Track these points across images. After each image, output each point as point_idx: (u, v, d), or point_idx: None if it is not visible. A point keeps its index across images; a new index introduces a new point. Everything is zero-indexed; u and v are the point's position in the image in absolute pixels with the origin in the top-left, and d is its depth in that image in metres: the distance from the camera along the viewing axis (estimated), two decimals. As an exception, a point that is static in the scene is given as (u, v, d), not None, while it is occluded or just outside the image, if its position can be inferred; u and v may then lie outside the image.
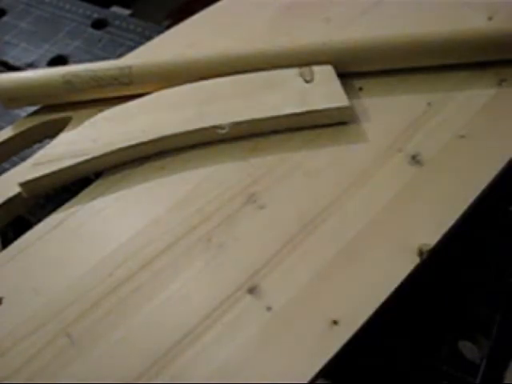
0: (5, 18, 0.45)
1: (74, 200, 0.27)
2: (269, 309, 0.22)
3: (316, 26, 0.34)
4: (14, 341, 0.22)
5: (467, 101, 0.29)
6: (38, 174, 0.27)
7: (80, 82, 0.29)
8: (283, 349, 0.21)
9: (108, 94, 0.30)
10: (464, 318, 0.25)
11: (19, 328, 0.23)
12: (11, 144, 0.30)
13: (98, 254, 0.25)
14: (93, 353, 0.22)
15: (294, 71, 0.29)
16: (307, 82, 0.29)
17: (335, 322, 0.21)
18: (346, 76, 0.30)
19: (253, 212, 0.25)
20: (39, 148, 0.29)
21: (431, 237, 0.23)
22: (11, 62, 0.41)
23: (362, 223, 0.24)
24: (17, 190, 0.27)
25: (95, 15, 0.43)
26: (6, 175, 0.28)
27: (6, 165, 0.32)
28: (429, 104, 0.29)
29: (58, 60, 0.40)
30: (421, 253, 0.23)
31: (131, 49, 0.36)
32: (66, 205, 0.27)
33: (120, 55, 0.38)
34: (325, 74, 0.29)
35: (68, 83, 0.29)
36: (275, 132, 0.28)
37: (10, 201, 0.27)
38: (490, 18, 0.32)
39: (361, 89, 0.30)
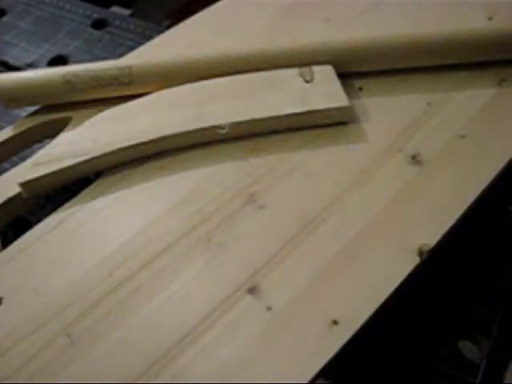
0: (5, 18, 0.45)
1: (73, 200, 0.27)
2: (269, 309, 0.22)
3: (316, 25, 0.34)
4: (14, 341, 0.22)
5: (467, 101, 0.29)
6: (38, 174, 0.27)
7: (80, 82, 0.29)
8: (283, 349, 0.21)
9: (108, 93, 0.30)
10: (464, 317, 0.25)
11: (19, 328, 0.23)
12: (11, 144, 0.30)
13: (98, 254, 0.25)
14: (93, 353, 0.22)
15: (293, 71, 0.29)
16: (307, 81, 0.29)
17: (335, 322, 0.21)
18: (346, 76, 0.30)
19: (253, 212, 0.25)
20: (39, 148, 0.29)
21: (431, 237, 0.23)
22: (11, 61, 0.41)
23: (362, 223, 0.24)
24: (17, 189, 0.27)
25: (95, 15, 0.43)
26: (5, 175, 0.28)
27: (5, 165, 0.32)
28: (429, 104, 0.29)
29: (58, 60, 0.40)
30: (421, 253, 0.23)
31: (131, 49, 0.36)
32: (66, 205, 0.27)
33: (120, 55, 0.38)
34: (325, 74, 0.29)
35: (68, 83, 0.29)
36: (275, 132, 0.28)
37: (9, 201, 0.27)
38: (490, 18, 0.32)
39: (361, 89, 0.30)
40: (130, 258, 0.24)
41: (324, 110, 0.28)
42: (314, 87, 0.29)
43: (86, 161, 0.27)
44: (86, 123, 0.28)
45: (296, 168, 0.27)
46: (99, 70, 0.30)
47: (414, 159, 0.26)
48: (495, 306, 0.25)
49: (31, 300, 0.23)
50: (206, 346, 0.21)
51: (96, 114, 0.29)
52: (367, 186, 0.26)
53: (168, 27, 0.37)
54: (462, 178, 0.25)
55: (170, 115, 0.28)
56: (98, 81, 0.29)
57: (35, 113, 0.31)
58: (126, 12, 0.45)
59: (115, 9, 0.45)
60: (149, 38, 0.38)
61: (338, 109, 0.28)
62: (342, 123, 0.28)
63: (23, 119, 0.31)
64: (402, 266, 0.23)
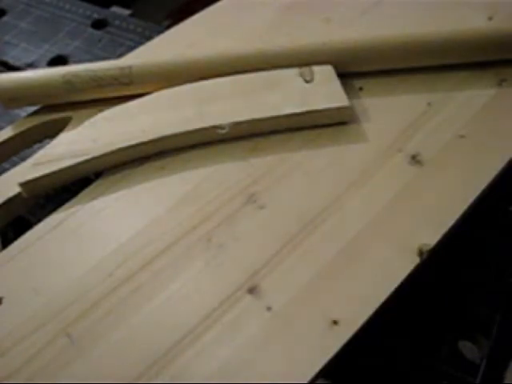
0: (5, 18, 0.45)
1: (74, 200, 0.27)
2: (269, 309, 0.22)
3: (316, 25, 0.34)
4: (14, 341, 0.22)
5: (467, 101, 0.29)
6: (38, 174, 0.27)
7: (80, 82, 0.29)
8: (283, 349, 0.21)
9: (108, 93, 0.30)
10: (464, 317, 0.25)
11: (19, 328, 0.23)
12: (11, 144, 0.30)
13: (97, 254, 0.25)
14: (93, 353, 0.22)
15: (293, 71, 0.29)
16: (307, 81, 0.29)
17: (335, 322, 0.21)
18: (346, 76, 0.30)
19: (253, 212, 0.25)
20: (39, 148, 0.29)
21: (431, 237, 0.23)
22: (11, 62, 0.41)
23: (362, 223, 0.24)
24: (17, 189, 0.27)
25: (95, 15, 0.43)
26: (5, 175, 0.28)
27: (5, 165, 0.32)
28: (429, 104, 0.29)
29: (58, 60, 0.40)
30: (421, 253, 0.23)
31: (131, 49, 0.36)
32: (66, 205, 0.27)
33: (120, 55, 0.38)
34: (325, 74, 0.29)
35: (68, 83, 0.29)
36: (275, 132, 0.28)
37: (9, 201, 0.27)
38: (490, 18, 0.32)
39: (361, 89, 0.30)
40: (129, 258, 0.24)
41: (324, 110, 0.28)
42: (314, 87, 0.29)
43: (86, 161, 0.27)
44: (86, 123, 0.28)
45: (296, 168, 0.27)
46: (99, 70, 0.30)
47: (414, 159, 0.26)
48: (495, 306, 0.25)
49: (31, 300, 0.23)
50: (206, 345, 0.21)
51: (96, 114, 0.29)
52: (367, 186, 0.26)
53: (168, 27, 0.37)
54: (462, 178, 0.25)
55: (170, 115, 0.28)
56: (98, 81, 0.29)
57: (35, 113, 0.31)
58: (126, 12, 0.45)
59: (115, 9, 0.45)
60: (149, 38, 0.38)
61: (338, 109, 0.28)
62: (342, 123, 0.28)
63: (23, 119, 0.31)
64: (402, 266, 0.23)
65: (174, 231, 0.25)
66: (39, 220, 0.26)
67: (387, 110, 0.29)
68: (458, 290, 0.26)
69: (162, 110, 0.28)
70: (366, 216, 0.24)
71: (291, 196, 0.26)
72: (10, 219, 0.28)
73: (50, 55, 0.40)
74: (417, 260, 0.23)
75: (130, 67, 0.30)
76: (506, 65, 0.30)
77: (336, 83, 0.29)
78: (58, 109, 0.31)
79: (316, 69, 0.29)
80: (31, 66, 0.40)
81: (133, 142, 0.27)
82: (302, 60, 0.30)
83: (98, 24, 0.43)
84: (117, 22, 0.42)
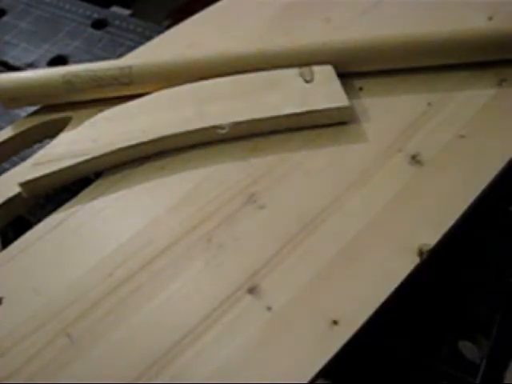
0: (5, 18, 0.45)
1: (74, 200, 0.27)
2: (269, 309, 0.22)
3: (316, 25, 0.34)
4: (14, 341, 0.22)
5: (467, 101, 0.29)
6: (38, 174, 0.27)
7: (80, 82, 0.29)
8: (283, 349, 0.21)
9: (108, 93, 0.30)
10: (464, 317, 0.25)
11: (19, 328, 0.23)
12: (11, 144, 0.30)
13: (97, 254, 0.25)
14: (93, 353, 0.22)
15: (293, 71, 0.29)
16: (307, 81, 0.29)
17: (335, 322, 0.21)
18: (346, 76, 0.30)
19: (253, 212, 0.25)
20: (39, 148, 0.29)
21: (431, 237, 0.23)
22: (11, 62, 0.41)
23: (362, 223, 0.24)
24: (17, 190, 0.27)
25: (95, 15, 0.43)
26: (5, 175, 0.28)
27: (5, 165, 0.32)
28: (429, 104, 0.29)
29: (58, 60, 0.40)
30: (421, 253, 0.23)
31: (131, 49, 0.36)
32: (66, 205, 0.27)
33: (120, 55, 0.38)
34: (325, 74, 0.29)
35: (68, 83, 0.29)
36: (275, 132, 0.28)
37: (9, 201, 0.27)
38: (490, 18, 0.32)
39: (361, 89, 0.30)
40: (129, 258, 0.24)
41: (324, 110, 0.28)
42: (314, 87, 0.29)
43: (86, 161, 0.27)
44: (86, 123, 0.28)
45: (296, 168, 0.27)
46: (99, 70, 0.30)
47: (414, 159, 0.26)
48: (495, 306, 0.25)
49: (31, 300, 0.23)
50: (205, 345, 0.21)
51: (96, 114, 0.29)
52: (367, 186, 0.26)
53: (168, 27, 0.37)
54: (462, 178, 0.25)
55: (170, 115, 0.28)
56: (98, 81, 0.29)
57: (35, 113, 0.31)
58: (126, 12, 0.45)
59: (115, 9, 0.45)
60: (149, 38, 0.38)
61: (338, 109, 0.28)
62: (342, 123, 0.28)
63: (23, 119, 0.31)
64: (402, 266, 0.23)
65: (174, 231, 0.25)
66: (39, 220, 0.26)
67: (387, 110, 0.29)
68: (457, 290, 0.26)
69: (162, 110, 0.28)
70: (366, 216, 0.24)
71: (291, 196, 0.26)
72: (10, 219, 0.28)
73: (50, 55, 0.40)
74: (417, 260, 0.23)
75: (129, 67, 0.30)
76: (506, 65, 0.30)
77: (336, 83, 0.29)
78: (58, 109, 0.31)
79: (316, 69, 0.29)
80: (31, 66, 0.40)
81: (133, 142, 0.27)
82: (302, 60, 0.30)
83: (98, 24, 0.43)
84: (117, 22, 0.42)
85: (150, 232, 0.25)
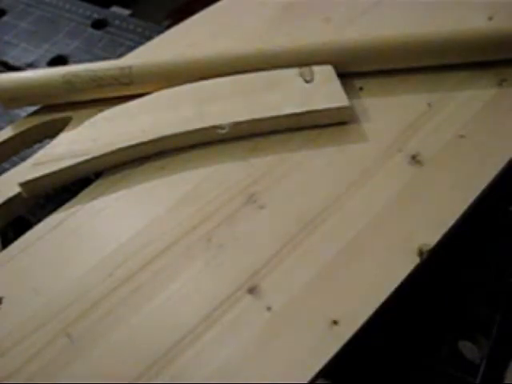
0: (5, 18, 0.45)
1: (74, 200, 0.27)
2: (269, 309, 0.22)
3: (316, 25, 0.34)
4: (14, 341, 0.22)
5: (467, 101, 0.29)
6: (38, 174, 0.27)
7: (80, 82, 0.29)
8: (283, 349, 0.21)
9: (108, 93, 0.30)
10: (464, 317, 0.25)
11: (19, 328, 0.23)
12: (11, 144, 0.30)
13: (98, 254, 0.25)
14: (93, 353, 0.22)
15: (293, 71, 0.29)
16: (307, 82, 0.29)
17: (335, 322, 0.21)
18: (346, 76, 0.30)
19: (253, 212, 0.25)
20: (39, 148, 0.29)
21: (431, 237, 0.23)
22: (11, 62, 0.41)
23: (362, 223, 0.24)
24: (17, 190, 0.27)
25: (95, 15, 0.43)
26: (5, 175, 0.28)
27: (5, 165, 0.32)
28: (429, 104, 0.29)
29: (58, 60, 0.40)
30: (421, 253, 0.23)
31: (131, 49, 0.36)
32: (66, 205, 0.27)
33: (120, 55, 0.38)
34: (325, 73, 0.29)
35: (68, 83, 0.29)
36: (275, 132, 0.28)
37: (9, 201, 0.27)
38: (490, 18, 0.32)
39: (361, 89, 0.30)
40: (129, 258, 0.24)
41: (324, 110, 0.28)
42: (314, 87, 0.29)
43: (86, 161, 0.27)
44: (86, 123, 0.28)
45: (296, 168, 0.27)
46: (99, 70, 0.30)
47: (414, 159, 0.26)
48: (495, 306, 0.25)
49: (31, 300, 0.23)
50: (206, 345, 0.21)
51: (96, 114, 0.29)
52: (367, 186, 0.26)
53: (168, 27, 0.37)
54: (462, 178, 0.25)
55: (170, 115, 0.28)
56: (98, 81, 0.29)
57: (35, 113, 0.31)
58: (126, 12, 0.45)
59: (115, 9, 0.45)
60: (149, 38, 0.38)
61: (338, 109, 0.28)
62: (342, 123, 0.28)
63: (23, 119, 0.31)
64: (402, 266, 0.23)
65: (174, 231, 0.25)
66: (39, 220, 0.26)
67: (387, 110, 0.29)
68: (457, 290, 0.26)
69: (162, 110, 0.28)
70: (366, 216, 0.24)
71: (291, 196, 0.26)
72: (10, 219, 0.28)
73: (50, 55, 0.40)
74: (417, 260, 0.23)
75: (129, 67, 0.30)
76: (506, 65, 0.30)
77: (336, 83, 0.29)
78: (58, 109, 0.31)
79: (316, 69, 0.29)
80: (31, 66, 0.40)
81: (133, 142, 0.27)
82: (302, 60, 0.30)
83: (98, 24, 0.43)
84: (117, 22, 0.42)
85: (150, 232, 0.25)
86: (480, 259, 0.27)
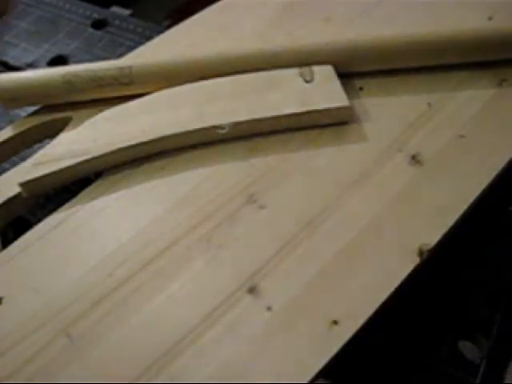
0: (5, 18, 0.45)
1: (74, 200, 0.27)
2: (269, 309, 0.22)
3: (316, 25, 0.34)
4: (14, 341, 0.22)
5: (467, 101, 0.29)
6: (38, 174, 0.27)
7: (80, 82, 0.29)
8: (283, 349, 0.21)
9: (108, 93, 0.30)
10: (464, 317, 0.25)
11: (19, 328, 0.23)
12: (11, 144, 0.30)
13: (98, 254, 0.25)
14: (93, 353, 0.22)
15: (294, 71, 0.29)
16: (307, 81, 0.29)
17: (335, 322, 0.21)
18: (346, 76, 0.30)
19: (253, 212, 0.25)
20: (39, 148, 0.29)
21: (431, 237, 0.23)
22: (11, 62, 0.41)
23: (362, 223, 0.24)
24: (17, 190, 0.27)
25: (95, 15, 0.43)
26: (5, 175, 0.28)
27: (5, 165, 0.32)
28: (429, 104, 0.29)
29: (58, 60, 0.40)
30: (421, 253, 0.23)
31: (131, 49, 0.36)
32: (66, 205, 0.27)
33: (120, 55, 0.38)
34: (325, 73, 0.29)
35: (68, 83, 0.29)
36: (275, 132, 0.28)
37: (9, 201, 0.27)
38: (490, 18, 0.32)
39: (361, 89, 0.30)
40: (130, 258, 0.24)
41: (324, 110, 0.28)
42: (314, 87, 0.29)
43: (86, 161, 0.27)
44: (86, 123, 0.28)
45: (296, 168, 0.27)
46: (99, 70, 0.30)
47: (414, 159, 0.26)
48: (495, 306, 0.25)
49: (31, 300, 0.23)
50: (206, 345, 0.21)
51: (96, 114, 0.29)
52: (367, 186, 0.26)
53: (168, 27, 0.37)
54: (462, 178, 0.25)
55: (170, 115, 0.28)
56: (98, 81, 0.29)
57: (35, 113, 0.31)
58: (126, 12, 0.45)
59: (115, 9, 0.45)
60: (149, 37, 0.38)
61: (338, 109, 0.28)
62: (342, 123, 0.28)
63: (23, 119, 0.31)
64: (402, 265, 0.23)
65: (174, 231, 0.25)
66: (39, 220, 0.26)
67: (387, 110, 0.29)
68: (458, 290, 0.26)
69: (162, 110, 0.28)
70: (366, 216, 0.24)
71: (291, 196, 0.26)
72: (10, 219, 0.28)
73: (50, 55, 0.40)
74: (417, 260, 0.23)
75: (129, 67, 0.30)
76: (506, 65, 0.30)
77: (336, 83, 0.29)
78: (58, 109, 0.31)
79: (316, 69, 0.29)
80: (31, 66, 0.40)
81: (133, 142, 0.27)
82: (302, 60, 0.30)
83: (98, 24, 0.43)
84: (117, 22, 0.42)
85: (150, 232, 0.25)
86: (480, 259, 0.27)
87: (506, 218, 0.28)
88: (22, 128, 0.30)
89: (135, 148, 0.27)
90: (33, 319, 0.23)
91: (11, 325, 0.23)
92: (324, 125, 0.28)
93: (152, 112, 0.28)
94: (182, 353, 0.21)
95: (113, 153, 0.27)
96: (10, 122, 0.33)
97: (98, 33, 0.42)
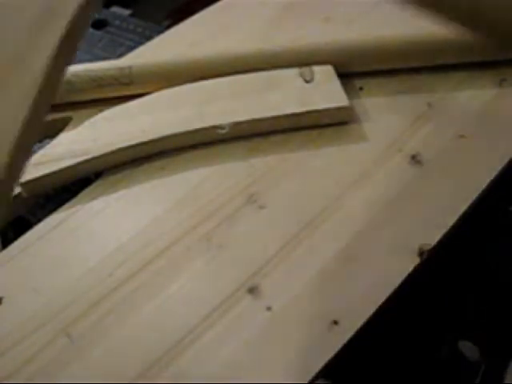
0: (5, 18, 0.45)
1: (74, 200, 0.27)
2: (269, 309, 0.22)
3: (316, 25, 0.34)
4: (14, 341, 0.22)
5: (467, 101, 0.29)
6: (38, 174, 0.26)
7: (80, 82, 0.29)
8: (283, 349, 0.21)
9: (108, 93, 0.30)
10: (464, 318, 0.25)
11: (19, 328, 0.23)
12: (11, 144, 0.30)
13: (97, 254, 0.25)
14: (92, 353, 0.22)
15: (294, 71, 0.29)
16: (307, 82, 0.29)
17: (335, 322, 0.21)
18: (346, 76, 0.30)
19: (253, 212, 0.25)
20: (39, 148, 0.29)
21: (431, 237, 0.23)
22: (11, 62, 0.41)
23: (362, 223, 0.24)
24: (17, 190, 0.27)
25: (95, 15, 0.43)
26: (5, 175, 0.28)
27: (5, 165, 0.32)
28: (429, 104, 0.29)
29: (58, 60, 0.40)
30: (421, 253, 0.23)
31: (131, 49, 0.36)
32: (66, 205, 0.27)
33: (120, 55, 0.38)
34: (325, 73, 0.29)
35: (68, 83, 0.29)
36: (275, 132, 0.28)
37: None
38: (489, 18, 0.32)
39: (361, 89, 0.30)
40: (130, 258, 0.24)
41: (324, 110, 0.28)
42: (314, 87, 0.29)
43: (86, 161, 0.27)
44: (86, 123, 0.28)
45: (296, 168, 0.27)
46: (99, 70, 0.30)
47: (414, 159, 0.26)
48: (495, 306, 0.25)
49: (31, 300, 0.23)
50: (206, 345, 0.21)
51: (96, 114, 0.29)
52: (367, 186, 0.26)
53: (168, 27, 0.37)
54: (462, 178, 0.25)
55: (170, 115, 0.28)
56: (98, 81, 0.29)
57: (35, 113, 0.31)
58: (126, 12, 0.45)
59: (115, 9, 0.45)
60: (149, 37, 0.38)
61: (338, 109, 0.28)
62: (342, 123, 0.28)
63: (23, 119, 0.31)
64: (402, 266, 0.23)
65: (174, 231, 0.25)
66: (39, 220, 0.26)
67: (387, 110, 0.29)
68: (457, 290, 0.26)
69: (162, 110, 0.28)
70: (366, 216, 0.24)
71: (291, 196, 0.26)
72: (10, 219, 0.28)
73: (50, 55, 0.40)
74: (417, 260, 0.23)
75: (129, 67, 0.30)
76: (505, 65, 0.30)
77: (336, 83, 0.29)
78: (58, 109, 0.30)
79: (316, 69, 0.29)
80: (31, 65, 0.40)
81: (133, 142, 0.27)
82: (302, 60, 0.30)
83: (98, 24, 0.43)
84: (117, 22, 0.42)
85: (150, 232, 0.25)
86: (480, 259, 0.27)
87: (506, 217, 0.28)
88: (22, 128, 0.30)
89: (135, 148, 0.27)
90: (33, 319, 0.23)
91: (11, 325, 0.23)
92: (324, 125, 0.28)
93: (152, 112, 0.28)
94: (182, 352, 0.21)
95: (113, 153, 0.27)
96: (10, 121, 0.33)
97: (98, 33, 0.42)
